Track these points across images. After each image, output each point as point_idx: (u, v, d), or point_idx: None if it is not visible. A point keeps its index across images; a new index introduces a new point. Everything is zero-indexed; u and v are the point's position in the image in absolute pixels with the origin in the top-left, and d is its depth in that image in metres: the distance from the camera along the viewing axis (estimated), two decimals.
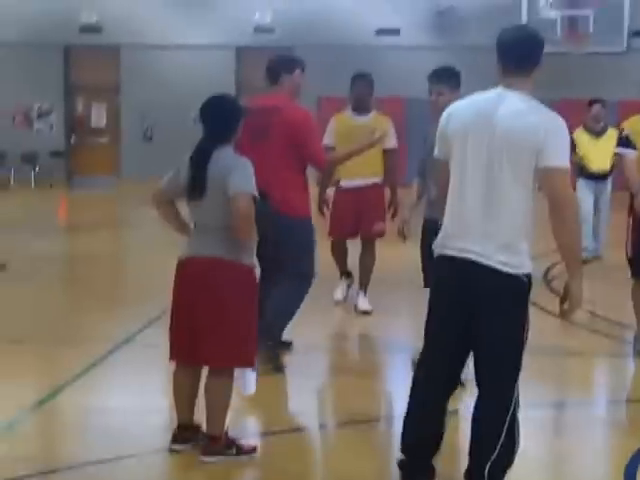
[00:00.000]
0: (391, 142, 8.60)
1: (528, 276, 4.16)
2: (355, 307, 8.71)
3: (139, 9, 24.05)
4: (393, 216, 8.61)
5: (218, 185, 4.80)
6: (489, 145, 4.09)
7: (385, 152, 8.61)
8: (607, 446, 5.64)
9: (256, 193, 4.83)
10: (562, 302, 4.18)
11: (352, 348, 8.22)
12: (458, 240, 4.16)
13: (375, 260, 8.77)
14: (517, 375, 4.18)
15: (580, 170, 12.07)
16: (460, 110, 4.29)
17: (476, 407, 4.25)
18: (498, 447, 4.10)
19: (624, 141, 7.24)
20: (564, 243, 4.09)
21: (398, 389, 6.06)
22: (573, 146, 11.77)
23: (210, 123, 4.95)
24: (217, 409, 4.92)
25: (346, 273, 9.07)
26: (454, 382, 4.36)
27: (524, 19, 20.36)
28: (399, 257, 9.72)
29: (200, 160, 4.87)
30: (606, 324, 8.31)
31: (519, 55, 4.20)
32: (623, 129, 7.36)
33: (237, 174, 4.79)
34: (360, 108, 8.67)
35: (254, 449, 5.01)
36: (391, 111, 24.35)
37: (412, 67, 23.38)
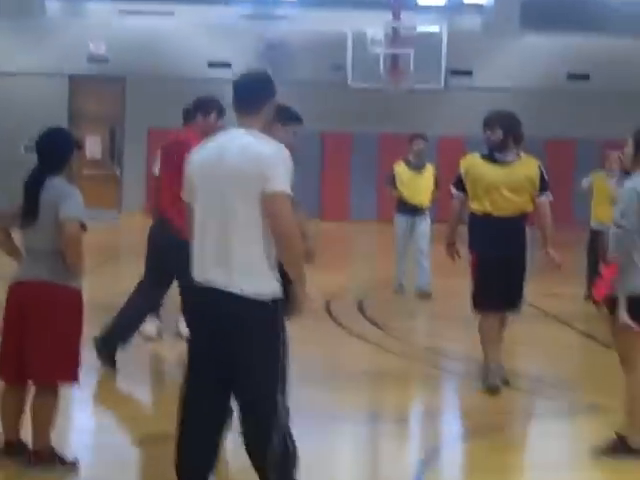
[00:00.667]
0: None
1: (275, 301, 4.44)
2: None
3: None
4: None
5: (49, 212, 5.18)
6: (221, 181, 4.44)
7: None
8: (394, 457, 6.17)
9: (84, 220, 5.19)
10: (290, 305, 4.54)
11: None
12: (204, 272, 4.47)
13: None
14: (275, 396, 4.43)
15: (398, 204, 12.28)
16: (200, 152, 4.65)
17: (243, 432, 4.51)
18: (273, 461, 4.41)
19: (456, 180, 7.58)
20: (289, 264, 4.45)
21: None
22: (393, 180, 12.28)
23: (43, 154, 5.35)
24: (42, 425, 5.24)
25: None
26: (222, 409, 4.58)
27: (349, 55, 21.17)
28: None
29: (33, 188, 5.24)
30: (424, 351, 8.87)
31: (245, 98, 4.59)
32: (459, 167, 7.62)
33: (67, 202, 5.18)
34: None
35: (75, 463, 5.34)
36: None
37: None
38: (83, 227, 5.22)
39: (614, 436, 5.89)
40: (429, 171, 12.24)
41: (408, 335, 9.84)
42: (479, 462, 5.97)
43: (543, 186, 7.44)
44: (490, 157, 7.46)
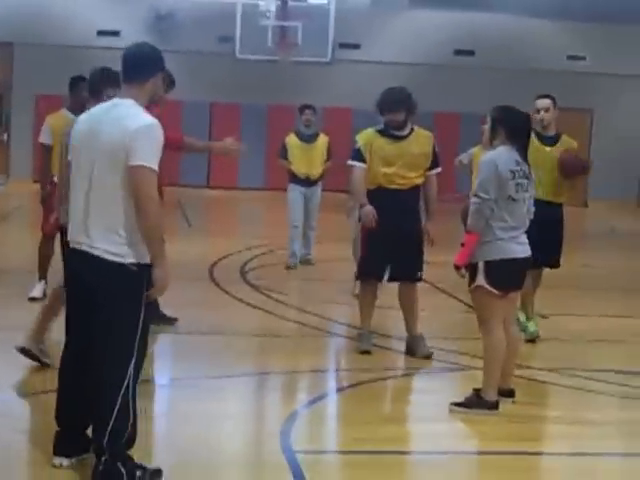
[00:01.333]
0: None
1: (137, 265, 4.61)
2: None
3: None
4: None
5: None
6: (94, 148, 4.63)
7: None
8: (265, 411, 6.53)
9: None
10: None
11: None
12: (73, 233, 4.72)
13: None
14: (130, 359, 4.61)
15: (290, 176, 12.29)
16: (83, 119, 4.86)
17: (92, 385, 4.68)
18: (112, 422, 4.59)
19: (356, 153, 7.70)
20: (148, 236, 4.57)
21: None
22: (284, 152, 12.28)
23: None
24: None
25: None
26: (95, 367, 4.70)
27: (238, 26, 21.32)
28: None
29: None
30: (316, 319, 9.17)
31: (132, 68, 4.74)
32: (356, 141, 7.77)
33: None
34: (77, 109, 9.09)
35: None
36: None
37: None
38: None
39: (472, 392, 6.35)
40: (322, 142, 12.36)
41: (290, 299, 10.16)
42: (350, 414, 6.38)
43: (435, 161, 7.77)
44: (386, 132, 7.64)
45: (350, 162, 7.77)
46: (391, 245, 7.58)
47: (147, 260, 4.66)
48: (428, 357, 7.71)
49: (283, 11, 21.23)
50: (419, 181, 7.74)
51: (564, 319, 9.69)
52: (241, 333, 8.44)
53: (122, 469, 4.65)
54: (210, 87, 23.90)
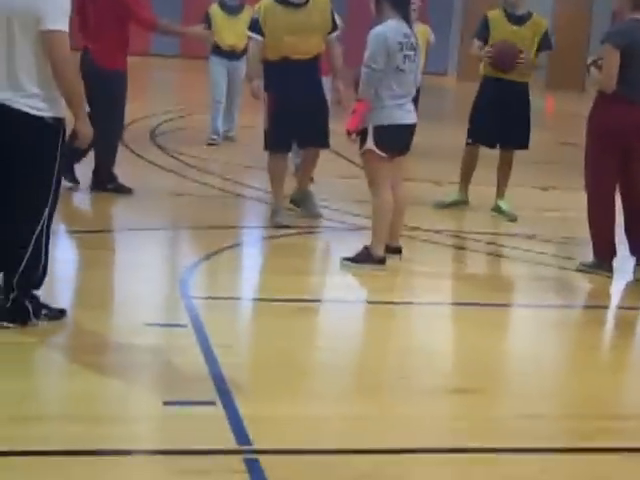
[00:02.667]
0: None
1: (54, 119, 4.87)
2: None
3: None
4: None
5: None
6: (7, 8, 4.79)
7: None
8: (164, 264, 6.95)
9: None
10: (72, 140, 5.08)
11: None
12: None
13: None
14: (44, 206, 4.93)
15: (213, 47, 11.72)
16: None
17: (8, 230, 4.96)
18: (24, 262, 4.94)
19: (254, 24, 7.73)
20: (67, 94, 4.86)
21: None
22: (208, 21, 11.53)
23: None
24: None
25: None
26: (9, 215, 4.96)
27: None
28: None
29: None
30: (229, 183, 9.53)
31: None
32: (256, 11, 7.77)
33: None
34: None
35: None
36: None
37: None
38: None
39: (362, 248, 6.84)
40: (247, 13, 11.23)
41: (201, 163, 10.44)
42: (249, 266, 6.86)
43: (334, 26, 7.90)
44: (284, 1, 7.66)
45: (248, 33, 7.84)
46: (297, 115, 7.70)
47: (63, 115, 4.95)
48: (316, 216, 8.10)
49: None
50: (320, 50, 7.89)
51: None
52: (151, 192, 8.75)
53: (29, 306, 5.02)
54: None
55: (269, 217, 8.00)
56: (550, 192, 10.44)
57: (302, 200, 8.27)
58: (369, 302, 6.33)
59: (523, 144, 8.88)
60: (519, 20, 8.63)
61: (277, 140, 7.86)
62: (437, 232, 8.06)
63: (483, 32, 8.70)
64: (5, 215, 4.99)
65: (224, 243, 7.17)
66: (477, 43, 8.74)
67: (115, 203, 8.37)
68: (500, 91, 8.67)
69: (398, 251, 7.03)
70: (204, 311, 5.57)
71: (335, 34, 8.00)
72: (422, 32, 10.09)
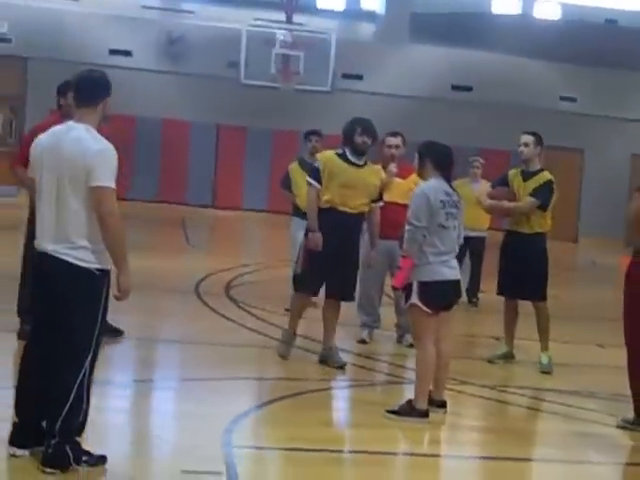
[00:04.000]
0: None
1: (100, 270, 5.11)
2: None
3: None
4: None
5: None
6: (57, 165, 5.11)
7: None
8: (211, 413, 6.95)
9: None
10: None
11: None
12: (40, 241, 5.20)
13: None
14: (87, 354, 5.11)
15: (294, 207, 10.70)
16: (43, 138, 5.28)
17: (52, 377, 5.11)
18: (66, 410, 5.05)
19: (315, 172, 8.11)
20: (111, 247, 5.08)
21: None
22: (288, 182, 10.77)
23: None
24: None
25: None
26: (53, 361, 5.14)
27: (243, 52, 21.91)
28: None
29: None
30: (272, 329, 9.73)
31: (84, 93, 5.21)
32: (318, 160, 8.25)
33: None
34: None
35: None
36: (122, 128, 25.46)
37: (143, 89, 24.53)
38: None
39: (405, 401, 6.86)
40: None
41: (265, 315, 10.59)
42: (290, 418, 6.88)
43: (380, 195, 8.32)
44: (345, 157, 8.07)
45: (308, 179, 8.26)
46: (331, 264, 7.98)
47: (108, 267, 5.18)
48: (342, 367, 8.15)
49: (287, 40, 21.79)
50: (365, 209, 8.21)
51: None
52: (208, 342, 8.92)
53: (69, 451, 5.12)
54: (217, 110, 24.51)
55: (277, 345, 8.27)
56: (606, 349, 10.32)
57: (328, 356, 8.29)
58: (411, 455, 6.32)
59: (537, 296, 8.86)
60: (527, 175, 8.89)
61: (307, 284, 8.17)
62: (483, 386, 8.03)
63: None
64: (49, 362, 5.18)
65: (277, 394, 7.24)
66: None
67: (165, 354, 8.51)
68: (514, 243, 8.83)
69: (443, 405, 7.03)
70: (243, 461, 5.61)
71: (380, 204, 8.34)
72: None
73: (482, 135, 25.07)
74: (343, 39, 24.38)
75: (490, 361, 8.97)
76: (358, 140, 8.01)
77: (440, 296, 6.84)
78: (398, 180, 8.84)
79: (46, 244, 5.16)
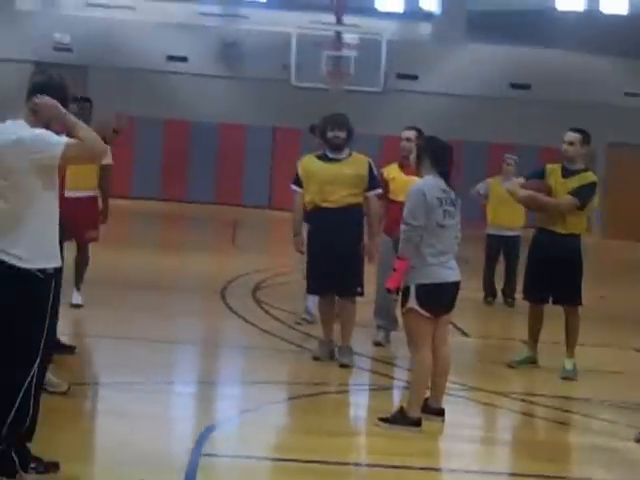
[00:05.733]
0: (106, 159, 9.47)
1: (43, 271, 4.74)
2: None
3: None
4: (102, 222, 9.51)
5: None
6: None
7: (101, 167, 9.45)
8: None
9: None
10: None
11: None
12: None
13: (89, 261, 9.59)
14: (34, 361, 4.76)
15: None
16: None
17: None
18: (11, 416, 4.73)
19: (295, 178, 8.14)
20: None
21: None
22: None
23: None
24: None
25: None
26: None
27: (293, 54, 21.55)
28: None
29: None
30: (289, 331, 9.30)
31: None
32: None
33: None
34: None
35: None
36: (178, 132, 25.31)
37: (199, 94, 24.42)
38: None
39: (397, 408, 6.37)
40: None
41: (286, 317, 10.20)
42: (279, 425, 6.46)
43: (372, 183, 7.92)
44: (324, 156, 7.99)
45: (291, 186, 8.22)
46: (329, 262, 7.78)
47: (52, 266, 4.80)
48: (344, 366, 7.78)
49: (337, 41, 21.40)
50: (353, 200, 7.87)
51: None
52: (218, 344, 8.58)
53: (15, 457, 4.78)
54: (272, 112, 24.21)
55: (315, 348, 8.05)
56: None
57: (340, 349, 7.97)
58: (398, 467, 5.80)
59: (572, 301, 8.21)
60: (568, 173, 8.24)
61: (310, 284, 8.06)
62: (494, 393, 7.47)
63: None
64: None
65: (268, 399, 6.83)
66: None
67: (179, 353, 8.17)
68: (547, 243, 8.18)
69: (441, 413, 6.50)
70: (205, 470, 5.21)
71: (372, 193, 7.92)
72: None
73: (542, 133, 24.26)
74: (398, 39, 23.90)
75: (510, 366, 8.39)
76: (330, 135, 7.92)
77: (440, 299, 6.33)
78: (412, 178, 8.37)
79: None
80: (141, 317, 9.43)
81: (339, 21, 21.73)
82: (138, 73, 24.15)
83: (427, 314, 6.26)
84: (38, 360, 4.82)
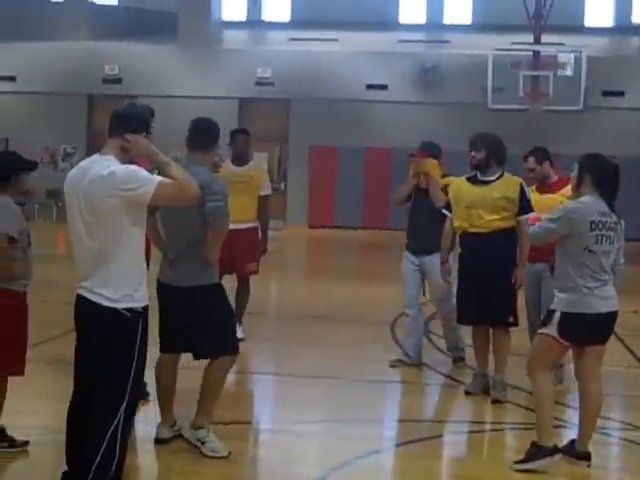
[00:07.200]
0: (265, 190, 9.32)
1: (130, 310, 4.58)
2: None
3: (153, 63, 25.19)
4: (262, 254, 9.31)
5: None
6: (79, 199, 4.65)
7: (260, 198, 9.29)
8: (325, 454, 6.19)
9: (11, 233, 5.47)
10: None
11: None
12: (80, 280, 4.69)
13: (249, 295, 9.46)
14: (121, 403, 4.57)
15: None
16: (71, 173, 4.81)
17: (84, 420, 4.67)
18: (97, 460, 4.54)
19: (447, 203, 7.71)
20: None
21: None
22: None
23: None
24: None
25: None
26: (89, 407, 4.66)
27: (490, 77, 20.83)
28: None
29: None
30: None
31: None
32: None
33: None
34: (239, 160, 9.32)
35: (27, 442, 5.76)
36: (378, 159, 25.15)
37: (399, 120, 24.13)
38: (11, 240, 5.49)
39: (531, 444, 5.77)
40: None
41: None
42: (407, 468, 5.99)
43: (524, 206, 7.29)
44: (474, 178, 7.50)
45: (442, 210, 7.80)
46: (476, 289, 7.31)
47: (141, 306, 4.64)
48: (496, 401, 7.27)
49: (535, 61, 20.57)
50: (504, 225, 7.29)
51: None
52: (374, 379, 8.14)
53: None
54: (469, 137, 23.57)
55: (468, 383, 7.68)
56: None
57: (493, 383, 7.45)
58: None
59: None
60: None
61: (460, 313, 7.60)
62: None
63: None
64: (84, 410, 4.71)
65: (390, 440, 6.35)
66: None
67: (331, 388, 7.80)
68: None
69: (587, 457, 5.82)
70: None
71: (523, 217, 7.21)
72: None
73: None
74: (603, 55, 22.77)
75: None
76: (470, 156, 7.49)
77: (585, 330, 5.71)
78: (547, 195, 7.74)
79: (82, 283, 4.69)
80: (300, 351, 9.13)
81: (537, 41, 20.88)
82: (338, 103, 24.22)
83: (565, 342, 5.70)
84: (124, 405, 4.62)
